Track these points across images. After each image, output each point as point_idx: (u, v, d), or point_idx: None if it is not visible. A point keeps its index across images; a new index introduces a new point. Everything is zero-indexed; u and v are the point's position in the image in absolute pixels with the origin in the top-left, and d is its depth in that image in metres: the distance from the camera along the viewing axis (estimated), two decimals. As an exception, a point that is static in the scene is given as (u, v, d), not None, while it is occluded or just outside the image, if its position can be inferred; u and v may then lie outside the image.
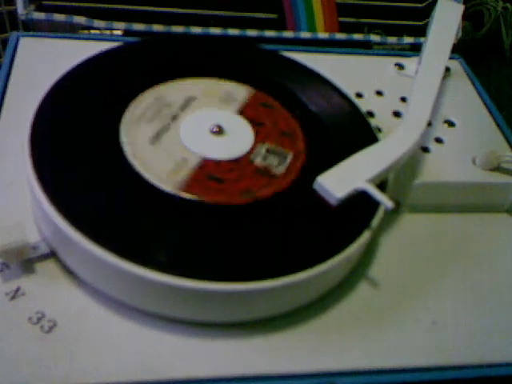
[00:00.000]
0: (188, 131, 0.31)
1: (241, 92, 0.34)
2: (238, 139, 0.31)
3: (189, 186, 0.28)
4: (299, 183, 0.29)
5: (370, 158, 0.30)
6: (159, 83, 0.33)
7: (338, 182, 0.28)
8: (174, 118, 0.31)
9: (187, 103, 0.32)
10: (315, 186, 0.28)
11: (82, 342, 0.25)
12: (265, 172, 0.29)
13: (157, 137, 0.30)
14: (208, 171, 0.29)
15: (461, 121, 0.39)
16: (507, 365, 0.27)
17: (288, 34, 0.47)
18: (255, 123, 0.32)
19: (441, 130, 0.37)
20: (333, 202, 0.27)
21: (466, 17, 0.67)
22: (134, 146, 0.29)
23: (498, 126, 0.40)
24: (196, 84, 0.34)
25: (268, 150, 0.30)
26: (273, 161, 0.29)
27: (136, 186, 0.28)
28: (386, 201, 0.27)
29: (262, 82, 0.35)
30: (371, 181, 0.28)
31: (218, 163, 0.30)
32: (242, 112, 0.33)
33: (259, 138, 0.31)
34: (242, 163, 0.30)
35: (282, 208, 0.28)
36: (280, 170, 0.29)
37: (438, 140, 0.36)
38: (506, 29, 0.78)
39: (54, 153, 0.28)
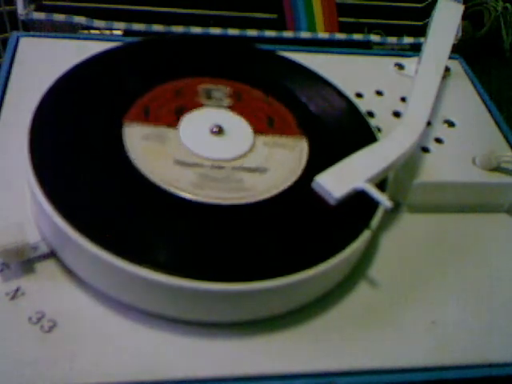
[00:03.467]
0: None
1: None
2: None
3: None
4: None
5: (368, 158, 0.30)
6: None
7: (337, 181, 0.28)
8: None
9: None
10: (314, 186, 0.28)
11: (82, 341, 0.25)
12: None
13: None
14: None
15: (461, 121, 0.39)
16: (507, 365, 0.27)
17: (288, 33, 0.47)
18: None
19: (441, 129, 0.37)
20: (331, 201, 0.27)
21: (465, 17, 0.67)
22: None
23: (498, 126, 0.40)
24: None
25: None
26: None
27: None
28: (384, 200, 0.27)
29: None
30: (370, 180, 0.28)
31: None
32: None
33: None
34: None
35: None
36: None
37: (438, 140, 0.36)
38: (506, 29, 0.79)
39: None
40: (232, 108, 0.33)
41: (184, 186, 0.28)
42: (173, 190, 0.28)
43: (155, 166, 0.29)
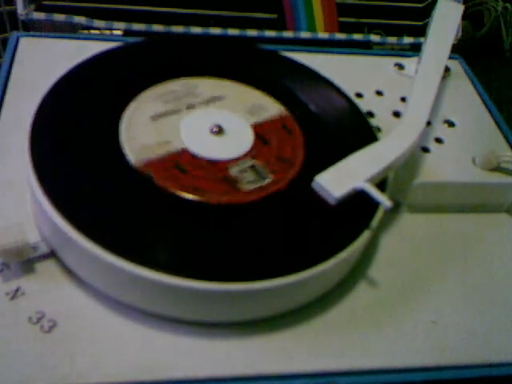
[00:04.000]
0: (191, 122, 0.31)
1: (271, 109, 0.33)
2: (233, 145, 0.31)
3: (151, 164, 0.28)
4: (259, 205, 0.28)
5: (368, 158, 0.30)
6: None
7: (337, 181, 0.28)
8: (189, 107, 0.32)
9: (212, 100, 0.33)
10: (314, 186, 0.28)
11: (82, 341, 0.25)
12: (231, 182, 0.29)
13: (160, 116, 0.30)
14: (179, 160, 0.29)
15: (461, 121, 0.39)
16: (507, 365, 0.27)
17: (288, 33, 0.47)
18: (261, 138, 0.32)
19: (441, 129, 0.37)
20: (331, 201, 0.27)
21: (465, 17, 0.67)
22: (134, 117, 0.30)
23: (498, 126, 0.40)
24: (234, 87, 0.34)
25: (252, 167, 0.30)
26: (247, 177, 0.29)
27: (136, 185, 0.28)
28: (384, 200, 0.27)
29: (261, 81, 0.35)
30: (370, 180, 0.28)
31: (195, 158, 0.30)
32: (259, 125, 0.32)
33: (254, 152, 0.31)
34: (217, 167, 0.30)
35: (282, 208, 0.28)
36: (248, 187, 0.29)
37: (438, 140, 0.36)
38: (506, 29, 0.79)
39: (54, 153, 0.28)
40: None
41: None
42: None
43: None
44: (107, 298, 0.26)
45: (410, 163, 0.33)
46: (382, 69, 0.43)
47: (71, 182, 0.27)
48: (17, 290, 0.26)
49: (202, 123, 0.31)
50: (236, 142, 0.31)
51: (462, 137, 0.37)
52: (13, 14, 0.48)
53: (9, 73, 0.36)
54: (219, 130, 0.31)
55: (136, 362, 0.25)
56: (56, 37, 0.40)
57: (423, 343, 0.27)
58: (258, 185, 0.29)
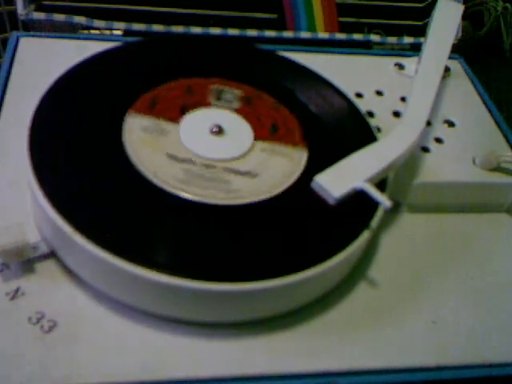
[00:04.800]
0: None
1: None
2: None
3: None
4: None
5: (368, 158, 0.30)
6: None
7: (336, 181, 0.28)
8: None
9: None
10: (313, 186, 0.28)
11: (82, 341, 0.25)
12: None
13: None
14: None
15: (461, 121, 0.39)
16: (507, 365, 0.27)
17: (288, 33, 0.47)
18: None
19: (441, 129, 0.37)
20: (331, 201, 0.27)
21: (465, 17, 0.67)
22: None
23: (498, 126, 0.40)
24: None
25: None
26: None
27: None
28: (384, 200, 0.27)
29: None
30: (370, 180, 0.28)
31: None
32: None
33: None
34: None
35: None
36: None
37: (438, 140, 0.36)
38: (506, 29, 0.78)
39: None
40: (239, 111, 0.33)
41: (171, 180, 0.28)
42: (173, 190, 0.28)
43: (147, 158, 0.29)
44: (107, 298, 0.26)
45: (409, 163, 0.33)
46: (382, 69, 0.43)
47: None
48: (17, 290, 0.26)
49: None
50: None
51: (462, 137, 0.37)
52: (13, 14, 0.48)
53: (9, 73, 0.36)
54: (219, 130, 0.31)
55: (136, 362, 0.25)
56: (56, 37, 0.40)
57: (423, 343, 0.27)
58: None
